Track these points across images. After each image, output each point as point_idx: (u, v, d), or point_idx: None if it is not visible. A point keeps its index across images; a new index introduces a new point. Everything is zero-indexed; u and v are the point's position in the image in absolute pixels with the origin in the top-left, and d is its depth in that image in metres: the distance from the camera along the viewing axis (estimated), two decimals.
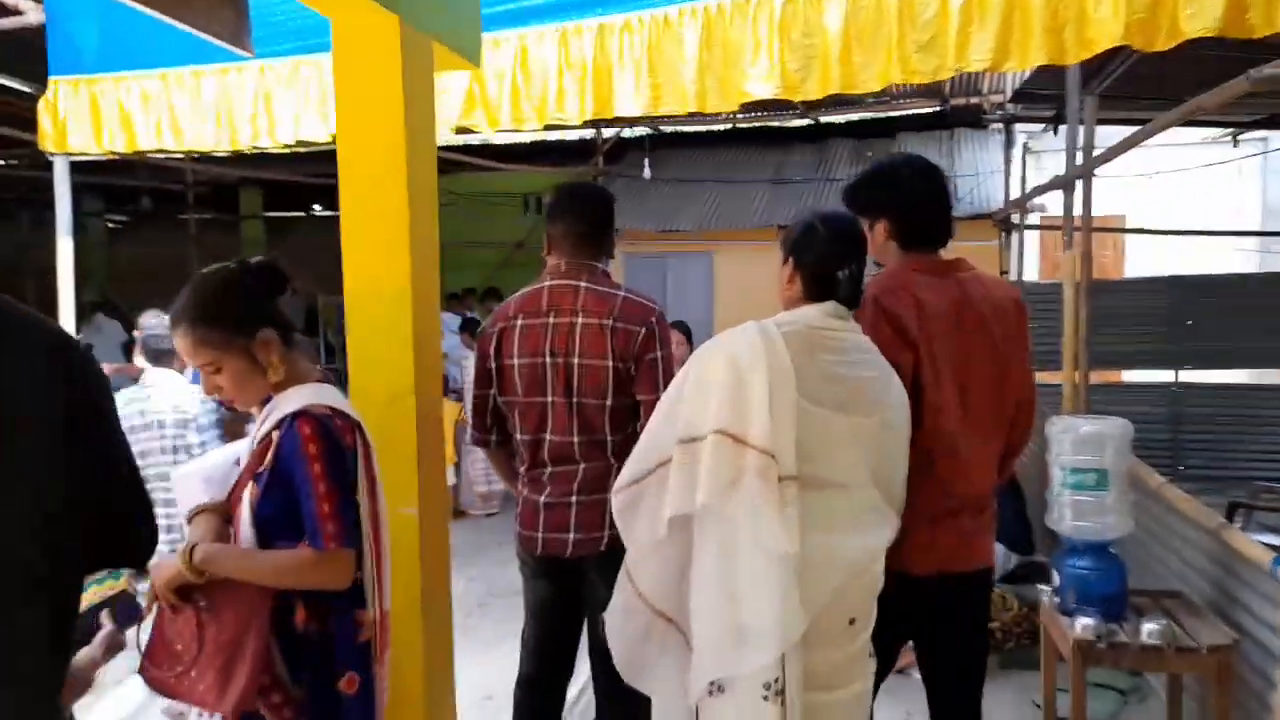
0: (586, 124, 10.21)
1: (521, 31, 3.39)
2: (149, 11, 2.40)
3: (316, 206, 15.56)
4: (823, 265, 1.77)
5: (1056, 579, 2.88)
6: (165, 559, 1.59)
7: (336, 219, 2.15)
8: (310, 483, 1.50)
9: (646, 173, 8.80)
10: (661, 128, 10.39)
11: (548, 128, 3.70)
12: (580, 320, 2.18)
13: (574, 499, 2.19)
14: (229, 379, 1.61)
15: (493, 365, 2.26)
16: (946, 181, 2.27)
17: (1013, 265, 7.44)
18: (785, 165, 10.67)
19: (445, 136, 3.75)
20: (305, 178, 12.36)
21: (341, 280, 2.12)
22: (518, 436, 2.27)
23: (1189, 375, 7.80)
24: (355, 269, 2.09)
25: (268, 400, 1.64)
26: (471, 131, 3.70)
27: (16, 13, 4.75)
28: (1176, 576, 3.28)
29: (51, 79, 4.58)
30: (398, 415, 2.09)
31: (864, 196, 2.20)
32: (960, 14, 2.66)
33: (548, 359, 2.20)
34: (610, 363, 2.16)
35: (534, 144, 11.99)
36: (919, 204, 2.16)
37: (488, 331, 2.30)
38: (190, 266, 11.57)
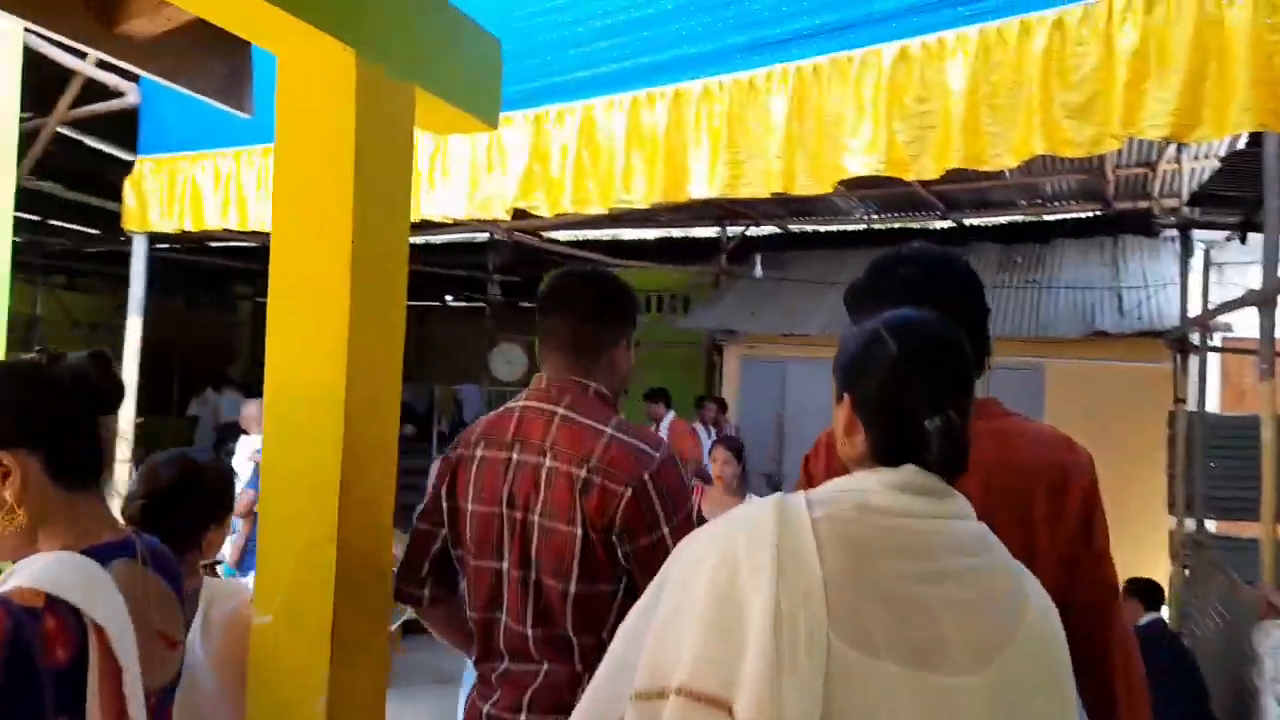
0: (711, 221, 9.87)
1: (589, 103, 2.95)
2: (141, 72, 2.08)
3: (448, 297, 15.87)
4: (896, 404, 1.08)
5: None
6: None
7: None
8: None
9: (757, 271, 8.24)
10: (790, 227, 9.88)
11: (614, 216, 3.22)
12: (547, 462, 1.54)
13: (523, 717, 1.52)
14: None
15: (445, 504, 1.66)
16: (979, 284, 1.55)
17: (1191, 392, 6.35)
18: None
19: (498, 216, 3.32)
20: (438, 268, 12.56)
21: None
22: (470, 613, 1.64)
23: None
24: (276, 366, 1.59)
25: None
26: (531, 216, 3.27)
27: (119, 95, 4.76)
28: None
29: (139, 158, 4.52)
30: (310, 571, 1.54)
31: (860, 298, 1.52)
32: (1129, 66, 2.00)
33: (504, 510, 1.56)
34: (578, 529, 1.48)
35: (661, 240, 11.75)
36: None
37: (448, 456, 1.71)
38: None
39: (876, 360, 1.11)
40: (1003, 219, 9.43)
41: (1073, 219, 9.13)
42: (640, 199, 2.82)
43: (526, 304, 12.02)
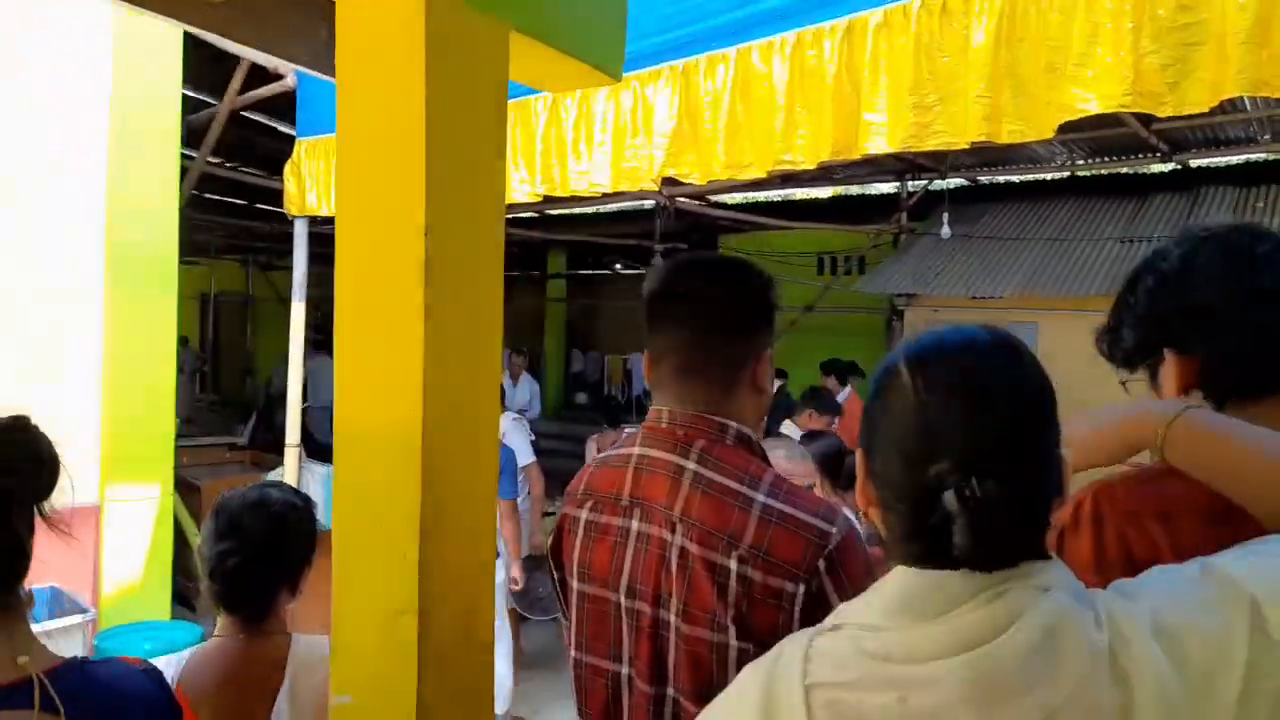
0: (891, 175, 9.10)
1: (744, 47, 2.51)
2: (215, 39, 1.86)
3: (618, 265, 15.75)
4: (905, 468, 0.75)
5: None
6: None
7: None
8: None
9: (945, 230, 7.44)
10: (980, 179, 8.95)
11: (781, 175, 2.77)
12: (677, 540, 1.12)
13: None
14: None
15: (554, 574, 1.31)
16: None
17: None
18: (1140, 220, 8.71)
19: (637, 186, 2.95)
20: (605, 238, 12.41)
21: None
22: None
23: None
24: (343, 396, 1.29)
25: None
26: (682, 183, 2.88)
27: (279, 77, 4.74)
28: None
29: (298, 140, 4.48)
30: (390, 646, 1.25)
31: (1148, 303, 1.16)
32: None
33: (622, 599, 1.18)
34: (730, 640, 1.07)
35: (834, 199, 11.03)
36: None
37: (561, 512, 1.33)
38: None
39: (888, 405, 0.79)
40: (1237, 158, 8.13)
41: None
42: (805, 159, 2.36)
43: None
